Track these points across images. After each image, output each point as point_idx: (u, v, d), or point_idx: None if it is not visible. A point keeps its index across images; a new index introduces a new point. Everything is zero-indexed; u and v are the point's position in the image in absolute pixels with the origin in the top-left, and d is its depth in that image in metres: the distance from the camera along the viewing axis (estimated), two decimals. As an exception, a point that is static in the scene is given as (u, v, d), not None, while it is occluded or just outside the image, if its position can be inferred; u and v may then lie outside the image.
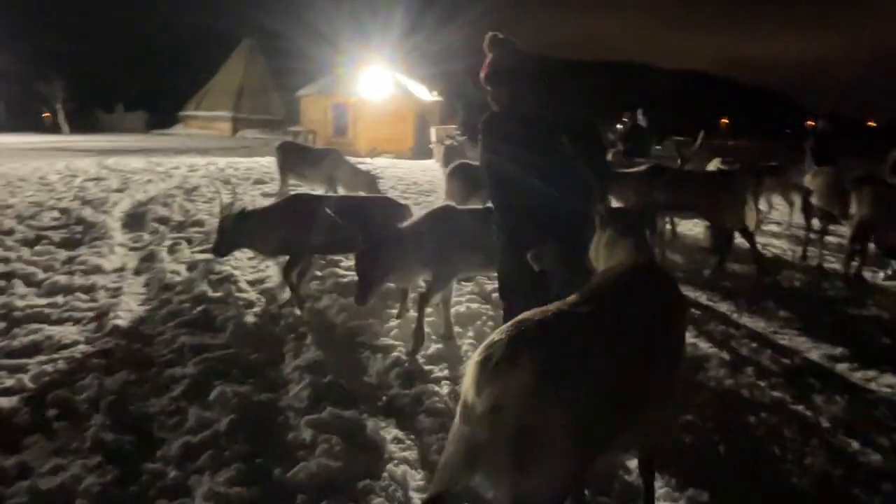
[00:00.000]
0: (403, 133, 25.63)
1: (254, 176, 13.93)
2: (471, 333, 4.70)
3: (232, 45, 39.52)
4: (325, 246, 5.25)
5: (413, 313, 4.62)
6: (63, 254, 6.59)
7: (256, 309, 5.19)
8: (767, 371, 4.25)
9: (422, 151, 23.32)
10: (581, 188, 2.99)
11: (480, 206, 5.18)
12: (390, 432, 3.32)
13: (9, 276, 5.68)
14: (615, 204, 6.77)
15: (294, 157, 10.20)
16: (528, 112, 3.10)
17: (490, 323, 4.89)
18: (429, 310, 4.64)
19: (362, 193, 8.77)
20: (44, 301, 5.14)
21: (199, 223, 8.48)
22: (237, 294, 5.53)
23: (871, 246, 6.43)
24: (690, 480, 2.90)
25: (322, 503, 2.71)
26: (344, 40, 28.23)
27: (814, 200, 7.23)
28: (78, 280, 5.74)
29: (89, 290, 5.50)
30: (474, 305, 5.29)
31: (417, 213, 4.67)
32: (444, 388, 3.82)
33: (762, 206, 10.17)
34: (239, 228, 5.12)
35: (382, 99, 25.93)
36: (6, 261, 6.20)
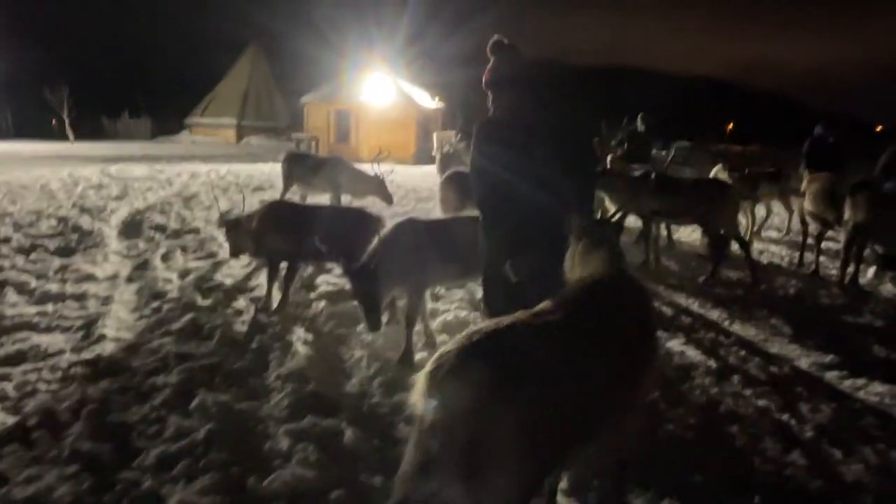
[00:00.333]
0: (406, 139, 25.68)
1: (254, 183, 13.99)
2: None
3: (237, 51, 39.69)
4: (295, 255, 5.33)
5: (401, 318, 4.61)
6: (57, 262, 6.62)
7: (245, 317, 5.20)
8: (754, 379, 4.22)
9: (424, 158, 23.32)
10: (568, 198, 2.97)
11: (468, 216, 5.15)
12: (370, 441, 3.30)
13: (2, 284, 5.70)
14: (610, 210, 6.79)
15: (299, 168, 10.28)
16: (528, 118, 3.05)
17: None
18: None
19: (369, 198, 9.41)
20: (34, 309, 5.16)
21: (195, 231, 8.52)
22: (227, 302, 5.54)
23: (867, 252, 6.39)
24: (668, 491, 2.87)
25: (294, 512, 2.70)
26: (348, 45, 28.27)
27: (809, 206, 7.18)
28: (70, 288, 5.77)
29: (80, 298, 5.53)
30: (463, 314, 5.28)
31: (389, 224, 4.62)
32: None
33: (761, 211, 10.15)
34: (229, 235, 5.54)
35: (385, 105, 26.02)
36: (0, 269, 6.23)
